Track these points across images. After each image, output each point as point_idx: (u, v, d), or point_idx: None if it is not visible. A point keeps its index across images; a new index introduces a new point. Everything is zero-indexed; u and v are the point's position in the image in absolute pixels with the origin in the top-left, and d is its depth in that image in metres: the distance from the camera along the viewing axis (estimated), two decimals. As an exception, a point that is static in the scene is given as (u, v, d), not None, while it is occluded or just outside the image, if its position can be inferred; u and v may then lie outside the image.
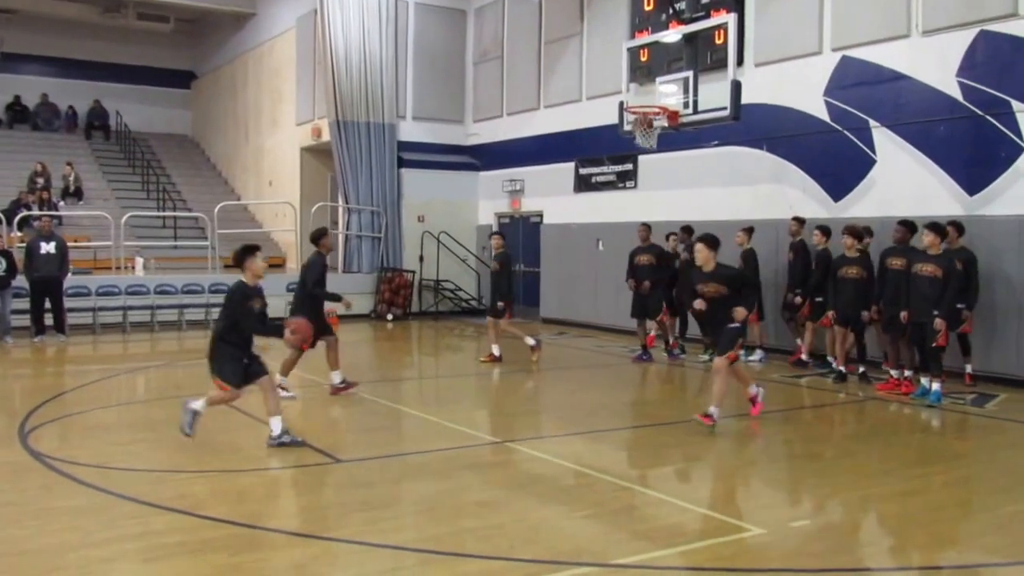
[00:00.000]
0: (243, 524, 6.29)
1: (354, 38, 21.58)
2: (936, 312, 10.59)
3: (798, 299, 13.58)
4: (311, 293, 11.11)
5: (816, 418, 10.68)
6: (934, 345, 10.69)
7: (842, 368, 12.40)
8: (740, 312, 9.29)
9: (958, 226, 11.82)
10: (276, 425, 8.55)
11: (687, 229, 14.86)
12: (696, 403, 10.93)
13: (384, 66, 21.90)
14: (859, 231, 12.26)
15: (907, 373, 11.56)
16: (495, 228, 22.82)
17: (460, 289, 22.36)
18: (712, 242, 9.46)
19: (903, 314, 11.07)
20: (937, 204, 12.88)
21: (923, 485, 7.67)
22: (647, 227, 14.64)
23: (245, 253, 8.75)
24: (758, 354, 14.27)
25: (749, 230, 14.32)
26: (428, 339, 18.94)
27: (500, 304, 14.31)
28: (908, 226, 11.80)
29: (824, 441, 9.62)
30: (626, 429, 9.82)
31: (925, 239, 10.86)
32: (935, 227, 10.83)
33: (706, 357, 14.23)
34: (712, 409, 9.29)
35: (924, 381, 11.04)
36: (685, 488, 7.63)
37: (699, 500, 7.15)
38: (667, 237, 14.99)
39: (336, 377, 11.35)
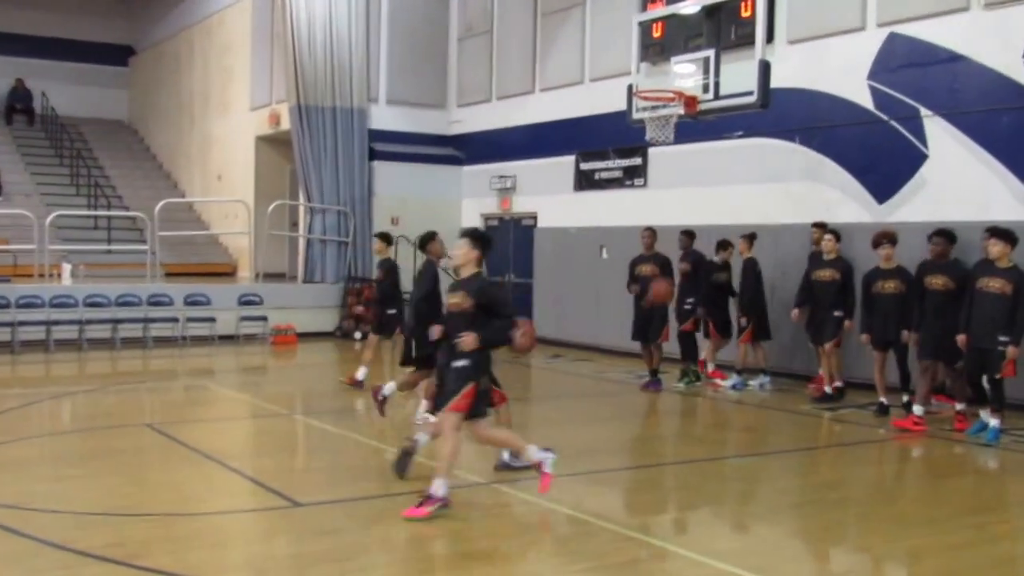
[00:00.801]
0: (186, 577, 6.34)
1: (319, 9, 21.69)
2: (1007, 338, 10.58)
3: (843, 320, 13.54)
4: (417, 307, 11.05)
5: (852, 458, 10.75)
6: (999, 376, 10.72)
7: (883, 399, 12.45)
8: (467, 341, 7.75)
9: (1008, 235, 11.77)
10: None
11: (689, 233, 15.02)
12: (711, 438, 11.02)
13: (354, 41, 22.00)
14: (891, 236, 12.34)
15: (959, 407, 11.64)
16: (465, 229, 22.83)
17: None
18: (477, 239, 8.27)
19: (960, 338, 11.04)
20: (999, 208, 12.99)
21: (975, 537, 7.74)
22: (652, 232, 14.61)
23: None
24: (760, 379, 14.54)
25: (750, 237, 14.61)
26: (403, 361, 18.94)
27: (392, 315, 14.09)
28: (947, 236, 11.72)
29: (860, 484, 9.69)
30: (630, 469, 9.90)
31: (993, 249, 10.83)
32: (1003, 234, 10.82)
33: (681, 385, 14.54)
34: (434, 487, 7.73)
35: (983, 415, 11.11)
36: (698, 538, 7.70)
37: (714, 552, 7.20)
38: (719, 248, 14.91)
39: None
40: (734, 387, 14.40)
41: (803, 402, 13.41)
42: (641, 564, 6.91)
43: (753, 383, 14.46)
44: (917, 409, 11.52)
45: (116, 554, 6.71)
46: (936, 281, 11.52)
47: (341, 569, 6.57)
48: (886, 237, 12.34)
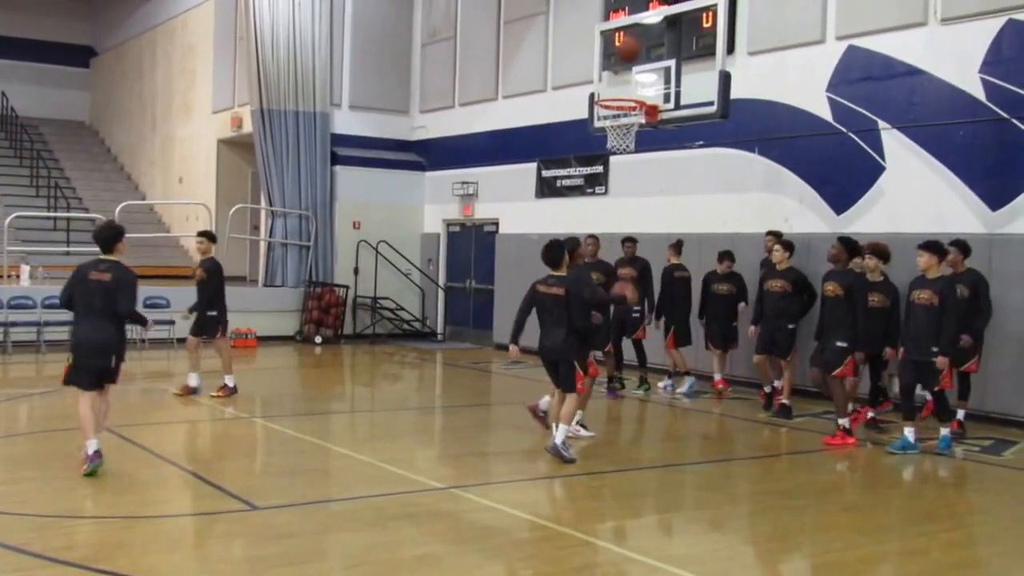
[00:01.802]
0: (142, 581, 6.31)
1: (282, 12, 21.61)
2: (937, 349, 10.58)
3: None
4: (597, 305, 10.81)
5: (808, 466, 10.84)
6: (937, 389, 10.77)
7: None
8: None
9: (963, 246, 11.95)
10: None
11: (632, 240, 15.02)
12: (668, 445, 11.08)
13: (317, 45, 21.95)
14: (882, 250, 12.17)
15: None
16: (443, 238, 22.93)
17: (401, 308, 22.41)
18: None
19: (888, 351, 11.68)
20: (954, 220, 13.17)
21: (926, 544, 7.84)
22: (596, 240, 14.14)
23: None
24: (687, 383, 14.80)
25: (677, 245, 14.98)
26: (363, 366, 18.96)
27: (212, 316, 13.66)
28: (933, 249, 11.23)
29: (816, 493, 9.77)
30: (589, 475, 9.92)
31: (919, 260, 10.89)
32: (930, 246, 10.87)
33: (640, 392, 14.69)
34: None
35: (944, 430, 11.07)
36: (655, 543, 7.74)
37: (670, 558, 7.25)
38: (722, 258, 14.62)
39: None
40: (686, 393, 14.65)
41: (760, 411, 13.49)
42: (598, 569, 6.95)
43: (681, 389, 14.81)
44: (843, 422, 11.49)
45: (72, 557, 6.68)
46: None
47: (297, 572, 6.57)
48: (873, 250, 12.03)
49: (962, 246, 11.95)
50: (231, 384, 13.73)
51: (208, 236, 14.17)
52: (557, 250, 10.29)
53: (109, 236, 9.82)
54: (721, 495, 9.39)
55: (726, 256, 14.64)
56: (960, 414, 11.96)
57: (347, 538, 7.49)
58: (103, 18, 33.56)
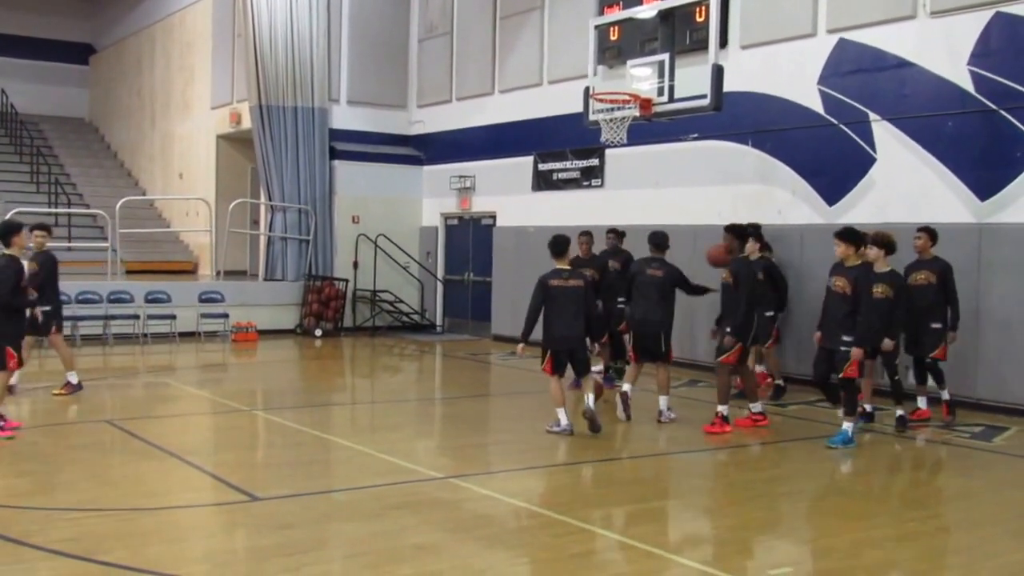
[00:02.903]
0: (147, 571, 6.33)
1: (280, 8, 21.60)
2: (850, 338, 10.32)
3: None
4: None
5: (803, 453, 10.88)
6: (842, 376, 10.46)
7: (867, 407, 11.94)
8: None
9: (930, 233, 11.92)
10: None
11: (616, 232, 14.97)
12: (661, 434, 11.12)
13: (315, 41, 21.94)
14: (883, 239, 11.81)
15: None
16: (441, 231, 22.94)
17: (400, 301, 22.43)
18: None
19: (816, 335, 11.15)
20: (943, 209, 13.19)
21: (918, 529, 7.89)
22: (589, 236, 14.37)
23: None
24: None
25: (617, 234, 14.91)
26: (363, 358, 18.99)
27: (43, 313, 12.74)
28: (847, 237, 10.85)
29: (809, 479, 9.81)
30: (585, 463, 9.96)
31: (836, 250, 10.72)
32: (844, 234, 10.63)
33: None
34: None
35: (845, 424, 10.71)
36: (650, 530, 7.77)
37: (665, 544, 7.30)
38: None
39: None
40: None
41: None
42: (595, 555, 6.98)
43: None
44: (754, 407, 11.53)
45: (74, 549, 6.71)
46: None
47: (297, 562, 6.59)
48: (877, 240, 11.62)
49: (930, 233, 11.92)
50: (74, 381, 12.89)
51: (46, 229, 13.32)
52: (564, 243, 11.09)
53: (3, 231, 10.49)
54: (714, 482, 9.44)
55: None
56: (944, 394, 11.91)
57: (347, 528, 7.53)
58: (102, 15, 33.53)
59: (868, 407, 11.77)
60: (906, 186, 13.68)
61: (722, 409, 11.21)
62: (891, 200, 13.82)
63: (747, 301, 11.02)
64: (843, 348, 10.35)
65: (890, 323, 11.27)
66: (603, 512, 8.35)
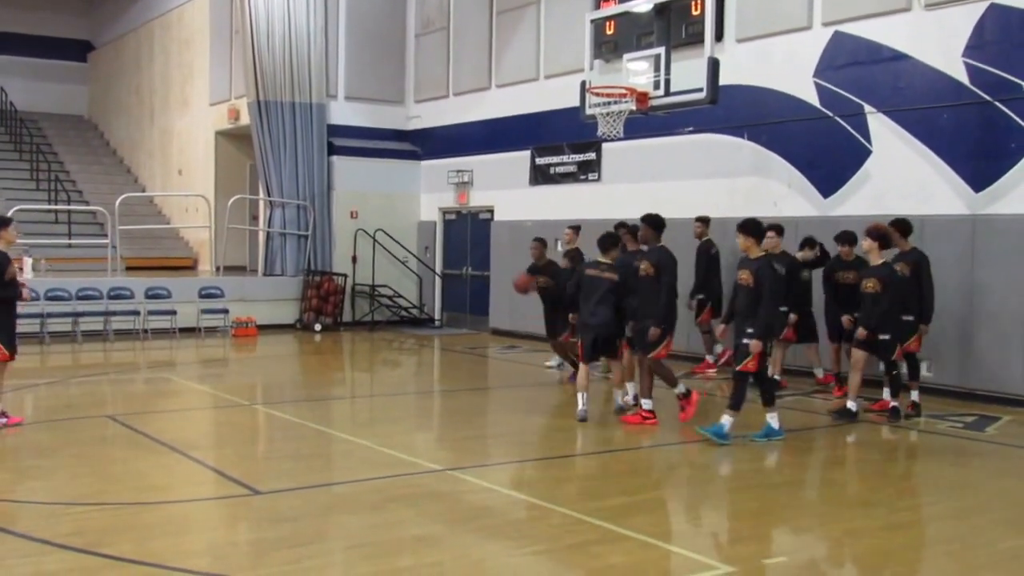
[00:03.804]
0: (150, 564, 6.39)
1: (277, 5, 21.63)
2: (752, 330, 10.15)
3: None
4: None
5: (796, 443, 10.94)
6: (739, 369, 10.28)
7: (852, 405, 11.82)
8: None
9: (903, 224, 11.97)
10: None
11: (575, 228, 15.33)
12: (660, 425, 11.18)
13: (312, 37, 21.98)
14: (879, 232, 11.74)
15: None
16: (439, 226, 22.99)
17: (399, 295, 22.49)
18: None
19: (720, 328, 11.61)
20: (939, 201, 13.27)
21: (912, 518, 7.97)
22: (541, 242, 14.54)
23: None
24: (556, 359, 15.49)
25: (575, 228, 15.28)
26: (362, 353, 19.05)
27: None
28: (748, 230, 10.62)
29: (803, 469, 9.91)
30: (582, 456, 10.04)
31: (737, 242, 10.67)
32: (745, 226, 10.46)
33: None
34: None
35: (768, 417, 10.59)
36: (646, 521, 7.82)
37: (662, 534, 7.37)
38: (804, 245, 13.59)
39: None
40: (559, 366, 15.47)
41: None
42: (592, 546, 7.04)
43: (551, 363, 15.62)
44: (646, 404, 11.28)
45: (78, 542, 6.77)
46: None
47: (298, 555, 6.66)
48: (873, 233, 11.65)
49: (902, 225, 11.97)
50: None
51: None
52: (610, 239, 11.65)
53: None
54: (709, 473, 9.50)
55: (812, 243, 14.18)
56: (914, 394, 11.87)
57: (348, 520, 7.59)
58: (100, 13, 33.53)
59: (852, 405, 11.57)
60: (901, 178, 13.74)
61: (646, 403, 11.22)
62: (886, 192, 13.88)
63: (770, 299, 10.36)
64: (744, 341, 10.20)
65: (876, 316, 11.23)
66: (600, 503, 8.39)
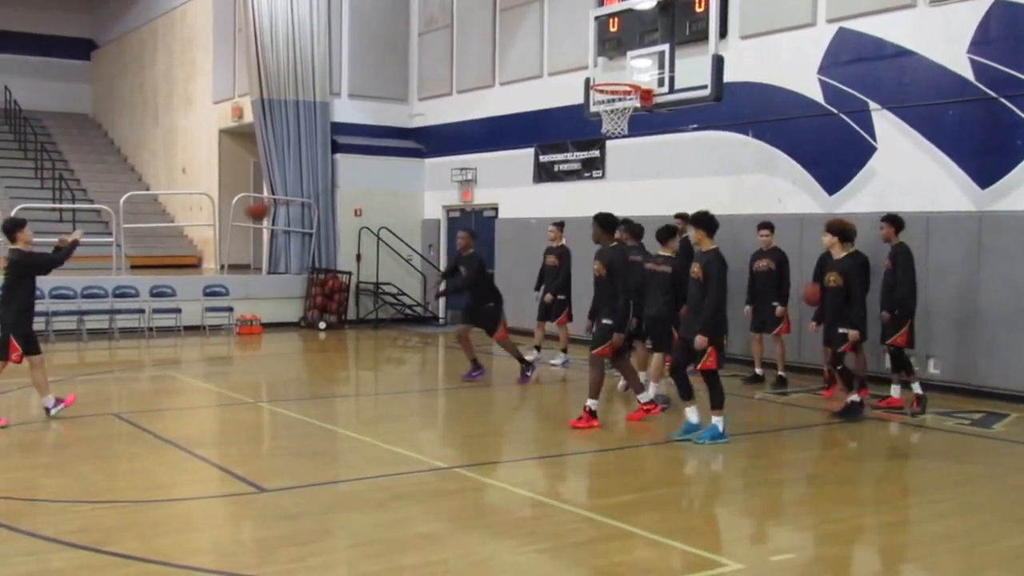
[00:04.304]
0: (155, 561, 6.40)
1: (280, 3, 21.63)
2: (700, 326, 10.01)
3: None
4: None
5: (801, 440, 10.95)
6: (701, 368, 10.10)
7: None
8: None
9: (894, 219, 12.04)
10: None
11: (559, 224, 15.71)
12: (662, 421, 11.17)
13: (315, 35, 21.98)
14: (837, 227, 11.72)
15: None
16: (443, 224, 22.97)
17: (403, 293, 22.49)
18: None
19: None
20: (944, 198, 13.25)
21: (918, 515, 7.96)
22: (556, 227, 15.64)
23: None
24: (560, 358, 15.63)
25: (559, 224, 15.70)
26: (366, 351, 19.05)
27: None
28: (697, 223, 10.67)
29: (808, 466, 9.88)
30: (588, 453, 10.02)
31: (692, 235, 10.68)
32: (694, 219, 10.41)
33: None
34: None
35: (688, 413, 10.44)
36: (653, 518, 7.81)
37: (669, 531, 7.35)
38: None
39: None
40: (563, 364, 15.63)
41: (746, 387, 13.59)
42: (598, 543, 7.03)
43: (556, 361, 15.66)
44: (643, 396, 11.28)
45: (84, 540, 6.77)
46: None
47: (303, 552, 6.66)
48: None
49: (893, 219, 12.05)
50: None
51: None
52: (668, 231, 12.02)
53: (7, 227, 10.91)
54: (715, 470, 9.49)
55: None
56: (916, 387, 11.91)
57: (352, 518, 7.59)
58: (103, 11, 33.54)
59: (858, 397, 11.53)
60: (906, 175, 13.71)
61: (591, 403, 10.88)
62: (891, 189, 13.85)
63: (717, 294, 10.06)
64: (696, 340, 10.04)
65: (837, 311, 11.23)
66: (606, 500, 8.40)
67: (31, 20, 32.99)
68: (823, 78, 14.75)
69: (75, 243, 11.25)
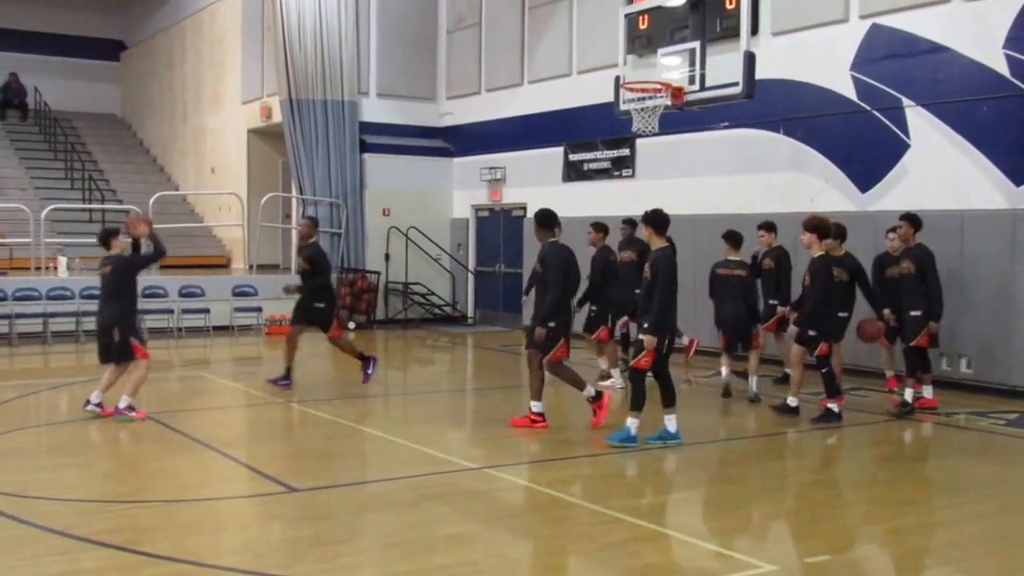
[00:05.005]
0: (186, 561, 6.42)
1: (308, 2, 21.70)
2: (647, 325, 9.83)
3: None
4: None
5: (829, 441, 10.87)
6: (633, 365, 9.99)
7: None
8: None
9: (912, 219, 11.86)
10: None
11: (632, 223, 14.71)
12: (690, 424, 11.12)
13: (344, 35, 22.04)
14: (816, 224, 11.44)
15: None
16: (472, 223, 22.99)
17: (432, 293, 22.52)
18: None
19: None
20: (978, 195, 13.16)
21: (954, 516, 7.87)
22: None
23: None
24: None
25: (632, 224, 14.59)
26: (395, 351, 19.08)
27: None
28: (647, 222, 10.57)
29: (838, 467, 9.82)
30: (619, 454, 9.99)
31: (643, 232, 10.53)
32: (644, 218, 10.30)
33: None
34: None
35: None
36: (685, 519, 7.80)
37: (701, 533, 7.33)
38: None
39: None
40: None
41: (777, 389, 13.49)
42: (630, 545, 7.01)
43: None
44: (535, 406, 10.82)
45: (115, 540, 6.81)
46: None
47: (334, 552, 6.67)
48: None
49: (913, 219, 11.85)
50: None
51: None
52: (736, 237, 12.50)
53: (103, 236, 11.45)
54: (746, 470, 9.45)
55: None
56: (928, 392, 11.80)
57: (383, 518, 7.59)
58: (132, 12, 33.75)
59: (793, 402, 11.41)
60: (940, 172, 13.62)
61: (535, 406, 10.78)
62: (925, 186, 13.75)
63: (665, 292, 9.86)
64: (640, 336, 9.97)
65: (805, 311, 11.18)
66: (637, 501, 8.38)
67: (61, 21, 33.27)
68: (856, 74, 14.67)
69: (150, 224, 11.66)
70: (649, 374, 9.90)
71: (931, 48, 13.78)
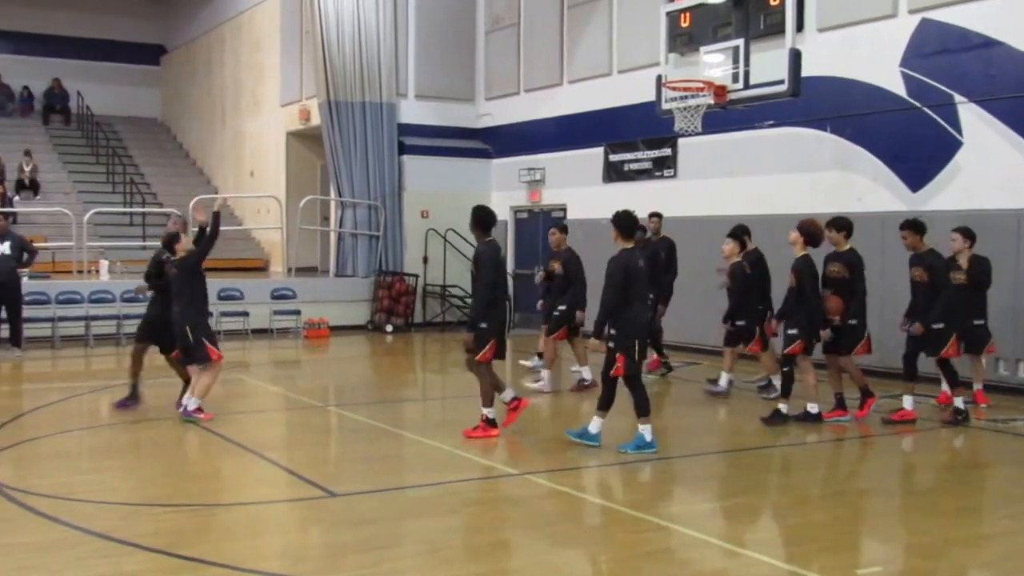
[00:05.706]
0: (226, 565, 6.42)
1: (347, 5, 21.76)
2: (613, 331, 9.69)
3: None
4: None
5: (877, 448, 10.70)
6: (611, 374, 9.72)
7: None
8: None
9: (915, 225, 11.44)
10: None
11: (562, 228, 14.80)
12: (729, 429, 11.00)
13: (382, 37, 22.07)
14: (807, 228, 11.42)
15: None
16: (511, 225, 22.93)
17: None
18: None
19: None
20: (1034, 194, 12.94)
21: (1011, 527, 7.69)
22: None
23: None
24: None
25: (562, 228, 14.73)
26: (434, 354, 19.07)
27: None
28: (914, 227, 11.10)
29: (889, 475, 9.65)
30: (660, 460, 9.88)
31: (615, 233, 10.21)
32: (614, 219, 10.18)
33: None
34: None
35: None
36: (729, 527, 7.70)
37: (747, 541, 7.22)
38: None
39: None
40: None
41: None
42: (672, 553, 6.92)
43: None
44: (488, 412, 10.57)
45: (156, 543, 6.82)
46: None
47: (375, 558, 6.64)
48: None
49: (917, 226, 11.37)
50: None
51: None
52: (820, 233, 11.48)
53: (167, 241, 11.83)
54: (791, 478, 9.33)
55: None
56: (908, 401, 11.28)
57: (423, 524, 7.54)
58: (172, 17, 34.04)
59: (813, 408, 11.16)
60: (995, 171, 13.38)
61: (487, 412, 10.57)
62: (979, 185, 13.53)
63: (613, 296, 9.66)
64: (609, 344, 9.70)
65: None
66: (681, 508, 8.29)
67: (102, 26, 33.63)
68: (905, 71, 14.46)
69: (216, 214, 11.78)
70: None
71: (984, 43, 13.56)
